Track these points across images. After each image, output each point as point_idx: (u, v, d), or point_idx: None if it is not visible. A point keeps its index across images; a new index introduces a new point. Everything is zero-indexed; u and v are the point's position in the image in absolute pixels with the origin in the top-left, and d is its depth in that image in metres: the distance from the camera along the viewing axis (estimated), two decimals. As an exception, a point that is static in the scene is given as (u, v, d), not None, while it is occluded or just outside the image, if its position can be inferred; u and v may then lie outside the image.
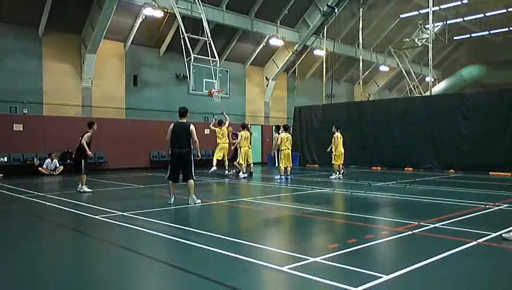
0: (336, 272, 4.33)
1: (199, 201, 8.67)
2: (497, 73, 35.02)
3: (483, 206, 8.28)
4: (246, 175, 14.94)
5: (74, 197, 9.79)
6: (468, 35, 34.19)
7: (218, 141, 15.59)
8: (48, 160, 16.44)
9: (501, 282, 4.13)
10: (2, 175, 15.34)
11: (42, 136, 16.99)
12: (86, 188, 10.73)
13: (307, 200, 9.60)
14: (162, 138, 9.63)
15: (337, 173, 14.72)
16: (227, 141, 15.73)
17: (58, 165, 16.63)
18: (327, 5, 23.18)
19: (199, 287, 3.98)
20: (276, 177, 14.24)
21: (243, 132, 15.30)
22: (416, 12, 28.23)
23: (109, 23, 17.49)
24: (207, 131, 21.53)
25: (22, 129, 16.67)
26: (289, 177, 14.25)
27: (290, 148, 14.38)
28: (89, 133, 10.84)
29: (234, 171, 15.72)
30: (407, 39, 29.21)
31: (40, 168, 16.21)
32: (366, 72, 29.95)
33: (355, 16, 25.96)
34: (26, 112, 17.28)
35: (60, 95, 18.22)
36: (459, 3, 27.48)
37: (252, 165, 15.69)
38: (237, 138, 15.41)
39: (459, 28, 32.23)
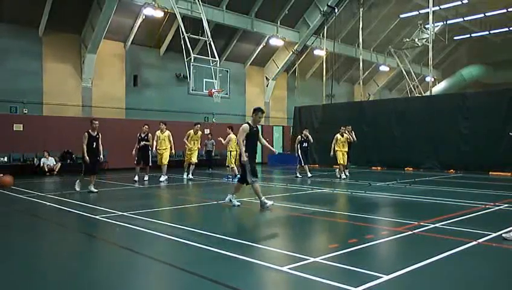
0: (336, 272, 4.33)
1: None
2: (497, 73, 35.05)
3: (483, 206, 8.28)
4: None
5: (74, 197, 9.79)
6: (468, 35, 34.18)
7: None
8: (44, 159, 16.49)
9: (501, 282, 4.13)
10: (2, 175, 15.31)
11: (42, 136, 16.97)
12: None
13: (306, 200, 9.60)
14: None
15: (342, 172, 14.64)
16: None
17: (55, 162, 16.64)
18: (327, 5, 23.18)
19: (199, 287, 3.98)
20: (228, 178, 13.83)
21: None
22: (416, 12, 28.22)
23: (109, 23, 17.48)
24: (207, 131, 21.60)
25: (22, 129, 16.69)
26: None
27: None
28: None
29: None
30: (407, 39, 29.18)
31: (40, 166, 16.26)
32: (366, 72, 29.94)
33: (355, 16, 25.97)
34: (26, 112, 17.27)
35: (60, 95, 18.21)
36: (459, 3, 27.46)
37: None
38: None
39: (459, 28, 32.21)
